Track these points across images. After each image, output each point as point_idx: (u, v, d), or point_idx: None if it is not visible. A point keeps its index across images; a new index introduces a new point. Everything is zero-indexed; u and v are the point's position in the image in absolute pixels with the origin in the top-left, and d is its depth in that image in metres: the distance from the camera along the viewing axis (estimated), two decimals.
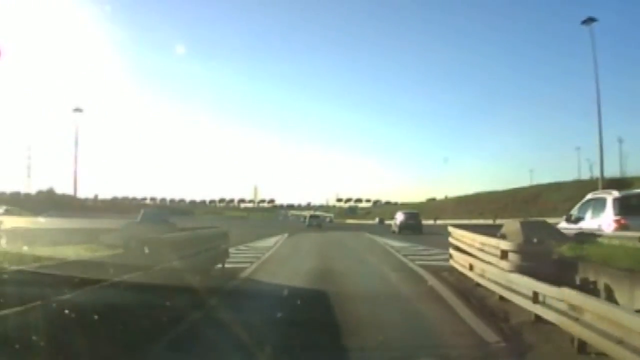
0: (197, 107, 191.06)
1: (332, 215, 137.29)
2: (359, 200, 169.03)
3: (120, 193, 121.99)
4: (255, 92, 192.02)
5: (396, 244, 22.93)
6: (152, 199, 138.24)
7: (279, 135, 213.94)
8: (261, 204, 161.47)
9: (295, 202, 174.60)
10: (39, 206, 49.65)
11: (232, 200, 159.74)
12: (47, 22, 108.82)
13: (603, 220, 10.26)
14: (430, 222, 69.18)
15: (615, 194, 10.74)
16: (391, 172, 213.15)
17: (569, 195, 68.79)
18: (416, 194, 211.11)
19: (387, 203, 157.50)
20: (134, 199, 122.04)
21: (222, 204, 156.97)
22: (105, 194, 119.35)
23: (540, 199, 71.37)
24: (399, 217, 36.23)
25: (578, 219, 11.39)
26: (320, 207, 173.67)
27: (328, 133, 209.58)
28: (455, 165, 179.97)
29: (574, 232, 9.86)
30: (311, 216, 54.73)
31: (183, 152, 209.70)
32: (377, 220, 75.13)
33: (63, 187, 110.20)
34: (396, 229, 34.68)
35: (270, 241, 23.94)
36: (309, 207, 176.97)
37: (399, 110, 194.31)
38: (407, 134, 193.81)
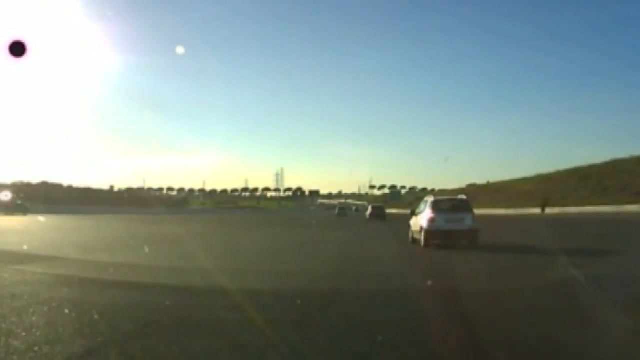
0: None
1: (364, 203, 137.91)
2: (393, 187, 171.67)
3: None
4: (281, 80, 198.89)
5: None
6: (180, 189, 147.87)
7: (307, 122, 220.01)
8: (287, 193, 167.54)
9: (325, 190, 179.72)
10: None
11: (256, 189, 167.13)
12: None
13: (425, 215, 15.86)
14: (534, 211, 50.37)
15: (432, 198, 16.93)
16: (423, 159, 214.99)
17: None
18: (453, 180, 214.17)
19: (424, 190, 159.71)
20: (151, 189, 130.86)
21: (245, 193, 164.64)
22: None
23: None
24: (370, 209, 49.83)
25: (418, 213, 16.95)
26: (352, 196, 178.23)
27: (358, 119, 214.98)
28: (495, 149, 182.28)
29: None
30: (339, 208, 70.46)
31: (202, 141, 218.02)
32: (336, 210, 70.15)
33: None
34: (367, 217, 47.01)
35: None
36: (340, 195, 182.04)
37: (432, 94, 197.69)
38: (441, 119, 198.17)
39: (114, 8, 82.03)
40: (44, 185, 71.98)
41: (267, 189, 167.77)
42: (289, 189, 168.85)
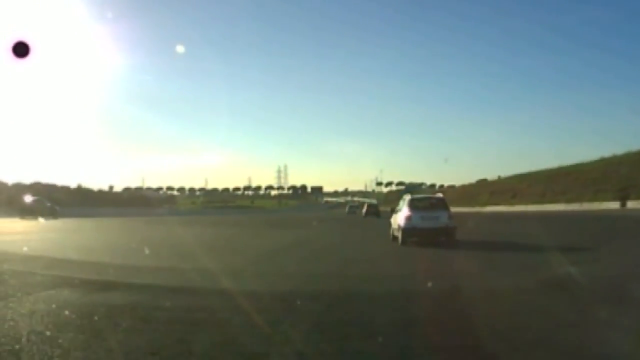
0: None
1: (372, 200, 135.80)
2: (401, 184, 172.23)
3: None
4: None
5: None
6: (180, 189, 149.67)
7: (311, 120, 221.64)
8: (290, 191, 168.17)
9: (331, 188, 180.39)
10: None
11: (259, 187, 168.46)
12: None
13: (402, 213, 16.99)
14: (610, 205, 40.60)
15: (409, 196, 18.18)
16: (430, 155, 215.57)
17: None
18: (464, 175, 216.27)
19: (432, 186, 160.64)
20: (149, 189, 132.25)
21: (248, 192, 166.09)
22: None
23: None
24: (365, 207, 56.25)
25: (397, 211, 18.05)
26: (359, 193, 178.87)
27: (363, 116, 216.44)
28: (501, 145, 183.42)
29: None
30: (350, 206, 76.70)
31: (205, 140, 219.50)
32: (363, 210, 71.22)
33: None
34: (363, 214, 52.78)
35: None
36: (346, 192, 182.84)
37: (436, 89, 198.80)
38: (447, 116, 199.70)
39: (115, 9, 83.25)
40: (37, 185, 73.05)
41: (270, 187, 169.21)
42: (292, 187, 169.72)
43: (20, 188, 61.54)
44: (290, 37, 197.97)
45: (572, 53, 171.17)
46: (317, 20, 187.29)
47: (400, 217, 16.75)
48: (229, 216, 66.31)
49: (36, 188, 65.73)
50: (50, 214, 42.89)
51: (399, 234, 16.64)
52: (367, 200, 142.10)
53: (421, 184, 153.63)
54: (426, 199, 18.93)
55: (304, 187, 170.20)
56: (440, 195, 19.50)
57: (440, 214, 16.45)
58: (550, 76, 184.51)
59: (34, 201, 45.75)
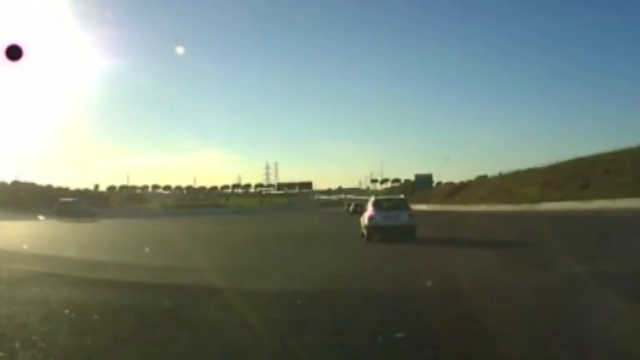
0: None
1: (369, 197, 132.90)
2: (397, 181, 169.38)
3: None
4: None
5: None
6: (166, 187, 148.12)
7: (304, 118, 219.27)
8: (287, 189, 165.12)
9: (324, 185, 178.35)
10: None
11: (248, 185, 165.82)
12: None
13: (368, 212, 18.40)
14: None
15: (373, 198, 20.44)
16: (426, 152, 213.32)
17: None
18: (459, 174, 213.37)
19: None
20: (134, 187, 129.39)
21: (237, 190, 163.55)
22: None
23: None
24: (352, 205, 60.76)
25: (365, 210, 19.41)
26: (353, 190, 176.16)
27: (357, 111, 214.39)
28: (497, 142, 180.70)
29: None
30: (348, 204, 72.54)
31: (195, 139, 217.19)
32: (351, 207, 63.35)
33: None
34: (350, 212, 55.05)
35: None
36: (340, 190, 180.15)
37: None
38: (443, 113, 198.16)
39: (105, 10, 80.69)
40: (16, 184, 70.42)
41: (260, 185, 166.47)
42: (284, 185, 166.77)
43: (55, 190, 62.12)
44: (285, 37, 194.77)
45: (572, 53, 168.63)
46: (313, 22, 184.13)
47: (365, 216, 18.54)
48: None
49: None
50: (89, 216, 42.04)
51: (364, 232, 18.30)
52: (358, 197, 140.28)
53: (430, 175, 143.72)
54: (389, 200, 20.89)
55: (293, 185, 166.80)
56: (402, 196, 22.50)
57: (402, 213, 18.06)
58: (550, 76, 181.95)
59: (73, 203, 45.11)
